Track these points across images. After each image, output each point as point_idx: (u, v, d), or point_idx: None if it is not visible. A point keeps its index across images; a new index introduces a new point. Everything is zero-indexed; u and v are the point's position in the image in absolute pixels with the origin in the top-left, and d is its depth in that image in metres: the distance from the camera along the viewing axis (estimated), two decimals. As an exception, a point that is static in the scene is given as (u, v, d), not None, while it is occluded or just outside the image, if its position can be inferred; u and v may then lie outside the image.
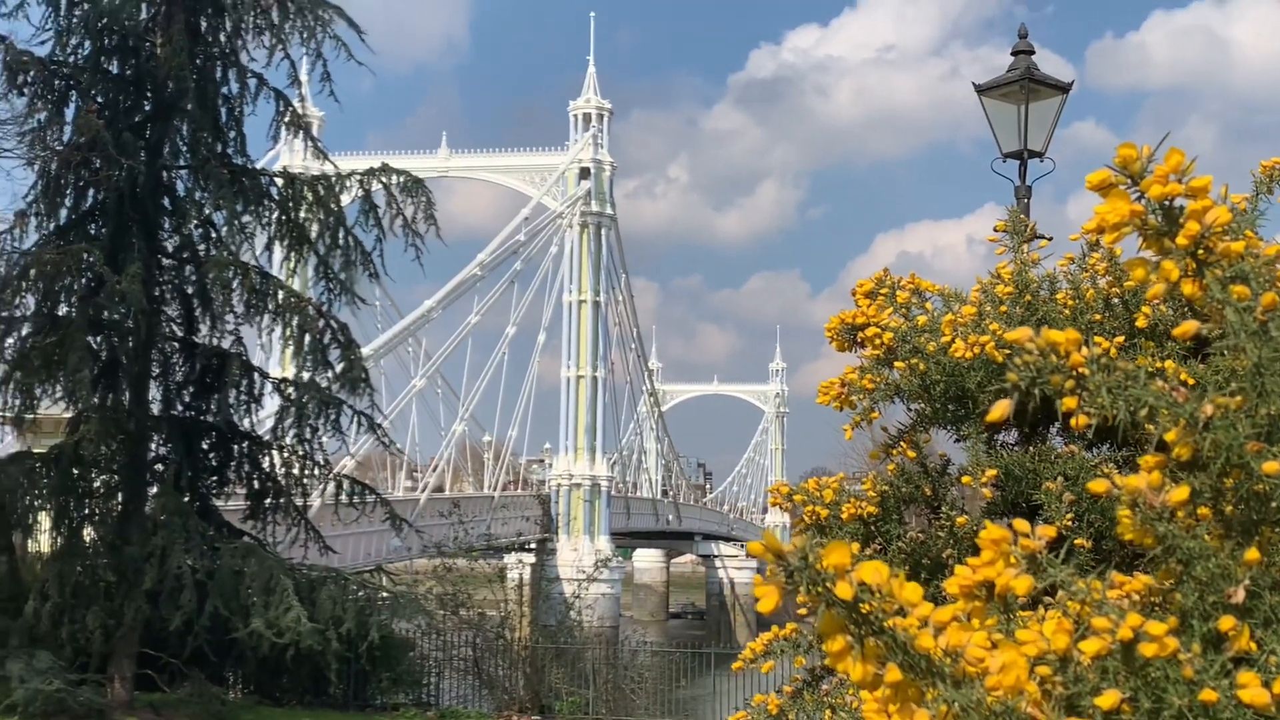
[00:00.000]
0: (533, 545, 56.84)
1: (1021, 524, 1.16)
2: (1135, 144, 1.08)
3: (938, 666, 0.99)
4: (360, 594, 20.28)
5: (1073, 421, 1.15)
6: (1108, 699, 1.02)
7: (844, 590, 0.96)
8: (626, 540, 78.74)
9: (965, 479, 2.40)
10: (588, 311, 64.55)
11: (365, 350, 43.12)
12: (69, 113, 19.79)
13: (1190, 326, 1.13)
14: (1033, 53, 11.11)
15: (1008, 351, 2.39)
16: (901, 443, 2.58)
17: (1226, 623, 1.10)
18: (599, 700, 20.93)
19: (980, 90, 11.08)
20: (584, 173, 64.65)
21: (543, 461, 75.65)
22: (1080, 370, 1.11)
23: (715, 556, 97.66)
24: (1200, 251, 1.09)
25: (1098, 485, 1.15)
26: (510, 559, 44.94)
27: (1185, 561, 1.13)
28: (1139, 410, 1.11)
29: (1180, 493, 1.07)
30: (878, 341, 2.41)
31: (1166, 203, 1.08)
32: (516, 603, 26.10)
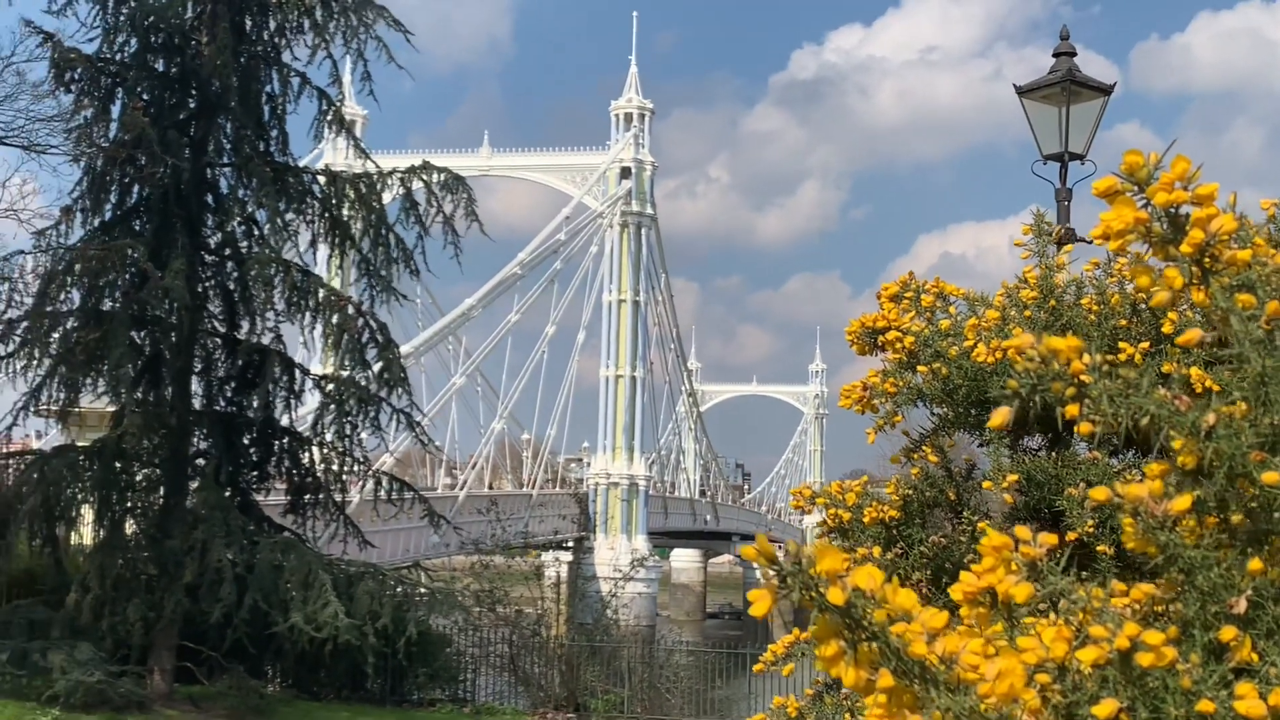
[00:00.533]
0: (570, 544, 56.97)
1: (1023, 531, 1.16)
2: (1142, 151, 1.08)
3: (932, 673, 0.99)
4: (398, 590, 20.37)
5: (1076, 428, 1.14)
6: (1105, 708, 1.02)
7: (836, 596, 0.96)
8: (664, 540, 78.77)
9: (986, 484, 2.39)
10: (627, 311, 64.61)
11: (406, 348, 43.40)
12: (115, 110, 19.99)
13: (1194, 335, 1.13)
14: (1074, 54, 11.03)
15: (1030, 356, 2.38)
16: (924, 447, 2.58)
17: (1228, 633, 1.09)
18: (634, 699, 20.94)
19: (1021, 92, 11.01)
20: (625, 172, 64.72)
21: (581, 460, 75.77)
22: (1081, 378, 1.11)
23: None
24: (1206, 259, 1.09)
25: (1099, 493, 1.14)
26: (548, 557, 45.05)
27: (1187, 571, 1.13)
28: (1140, 419, 1.10)
29: (1182, 502, 1.06)
30: (898, 345, 2.40)
31: (1172, 210, 1.07)
32: (553, 601, 26.17)
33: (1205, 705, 1.02)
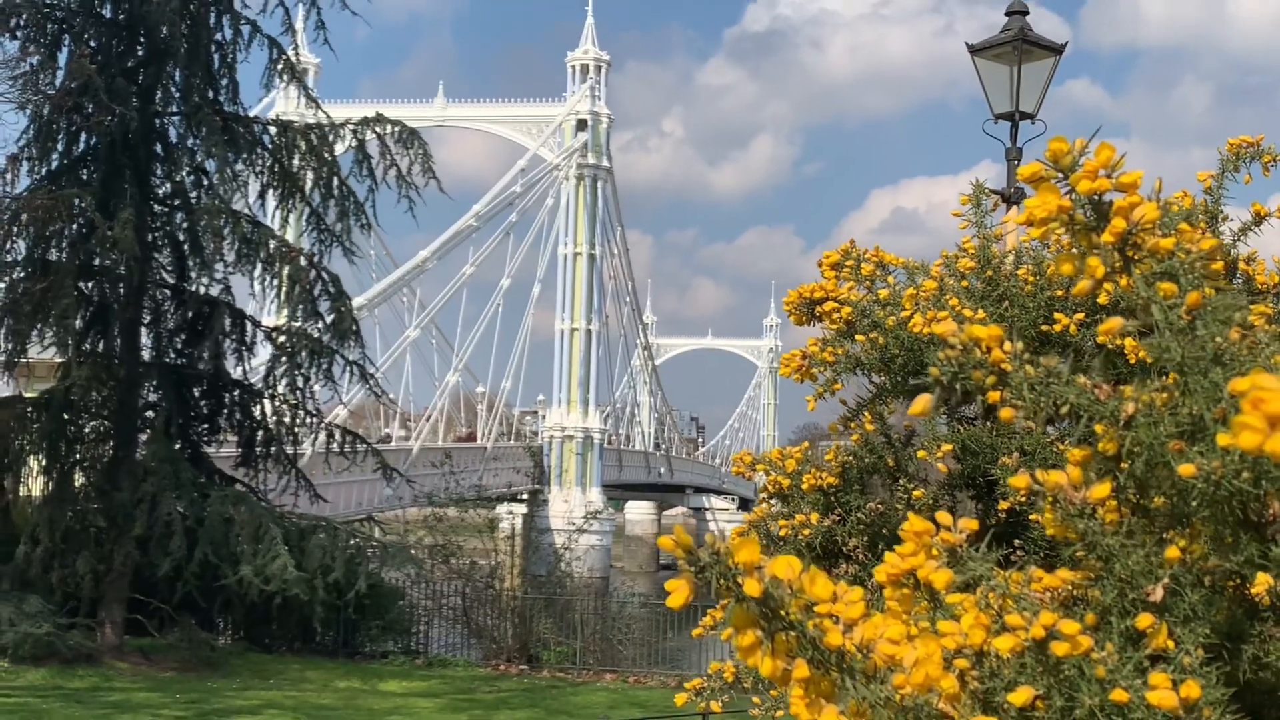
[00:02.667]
0: (525, 496, 57.02)
1: (944, 516, 1.16)
2: (1066, 138, 1.07)
3: (848, 662, 0.99)
4: (350, 543, 20.34)
5: (999, 413, 1.14)
6: (1020, 695, 1.03)
7: (752, 587, 0.95)
8: (619, 492, 79.02)
9: (920, 453, 2.40)
10: (583, 264, 64.44)
11: (359, 299, 43.14)
12: (61, 57, 19.67)
13: (1114, 324, 1.13)
14: (1026, 13, 11.03)
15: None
16: (864, 414, 2.58)
17: (1144, 620, 1.10)
18: (586, 650, 21.04)
19: (973, 50, 11.01)
20: (581, 125, 64.36)
21: (536, 413, 75.73)
22: (1002, 366, 1.11)
23: (706, 509, 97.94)
24: (1128, 248, 1.08)
25: (1018, 481, 1.15)
26: (502, 509, 45.07)
27: (1105, 558, 1.13)
28: (1061, 407, 1.11)
29: (1101, 489, 1.07)
30: (835, 316, 2.40)
31: (1096, 198, 1.07)
32: (507, 553, 26.21)
33: (1119, 695, 1.03)
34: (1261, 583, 1.09)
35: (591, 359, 65.28)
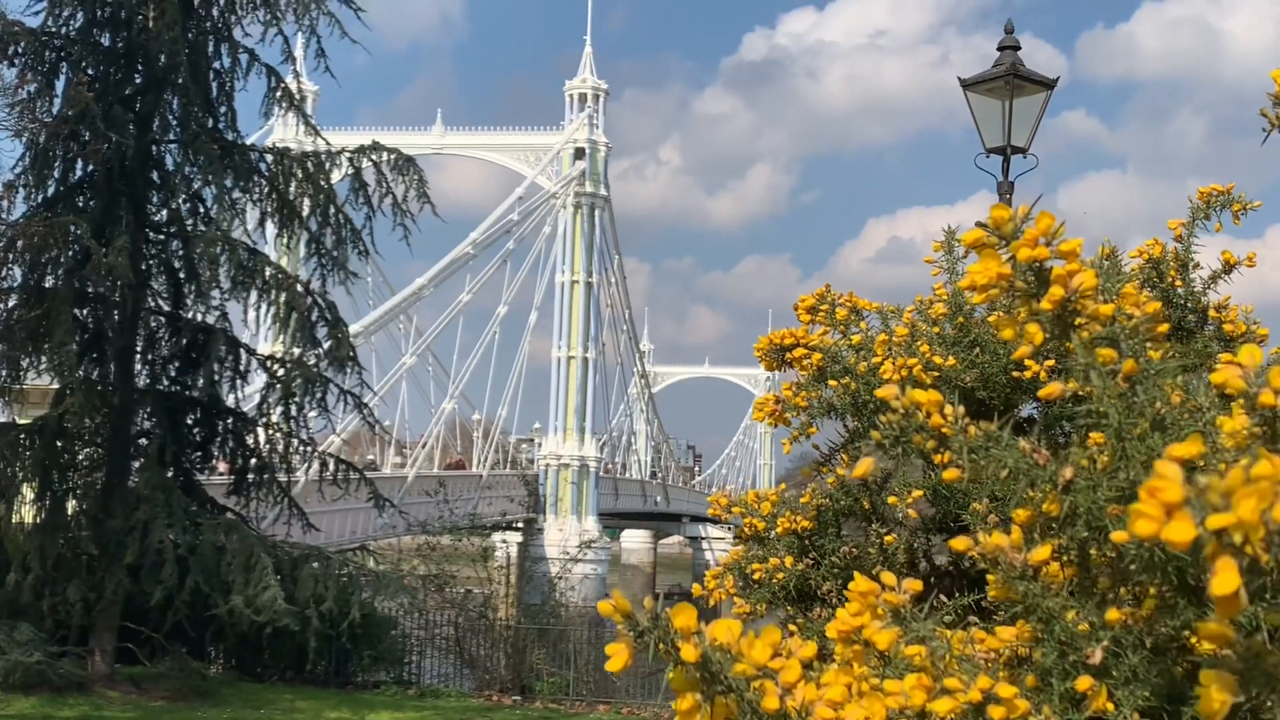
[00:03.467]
0: (520, 525, 56.95)
1: (889, 577, 1.17)
2: (1009, 205, 1.09)
3: (786, 726, 1.00)
4: (343, 572, 20.29)
5: (944, 474, 1.16)
6: (959, 757, 1.04)
7: (688, 652, 0.97)
8: (614, 521, 78.86)
9: (892, 499, 2.41)
10: (580, 292, 64.54)
11: (356, 327, 43.15)
12: (59, 85, 19.72)
13: (1054, 389, 1.14)
14: (1018, 48, 11.09)
15: (935, 374, 2.40)
16: (842, 455, 2.59)
17: (1084, 683, 1.11)
18: (580, 681, 20.97)
19: (965, 85, 11.07)
20: (579, 153, 64.57)
21: (532, 441, 75.66)
22: (942, 430, 1.12)
23: (702, 538, 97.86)
24: (1068, 314, 1.10)
25: (959, 543, 1.16)
26: (497, 538, 44.98)
27: (1045, 620, 1.14)
28: (1000, 471, 1.12)
29: (1041, 552, 1.08)
30: (805, 362, 2.42)
31: (1036, 265, 1.09)
32: (501, 582, 26.15)
33: (1053, 758, 1.04)
34: (1207, 644, 1.10)
35: (588, 387, 65.33)
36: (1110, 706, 1.12)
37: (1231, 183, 2.42)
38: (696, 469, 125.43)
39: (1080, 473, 1.09)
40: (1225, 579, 0.65)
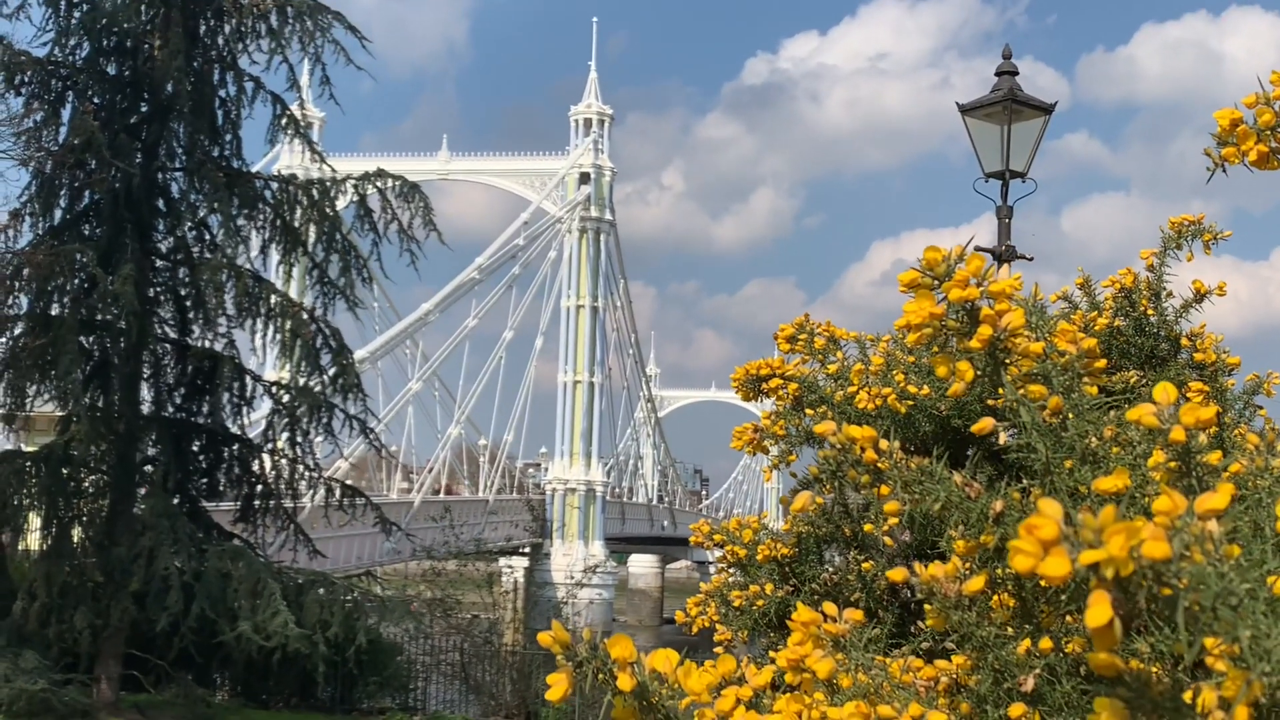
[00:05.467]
0: (526, 550, 56.90)
1: (830, 608, 1.21)
2: (942, 247, 1.13)
3: (721, 753, 1.03)
4: (348, 598, 20.29)
5: (885, 507, 1.20)
6: (893, 783, 1.07)
7: (625, 682, 1.00)
8: (622, 546, 78.76)
9: (868, 527, 2.44)
10: (585, 316, 64.61)
11: (362, 352, 43.23)
12: (65, 113, 19.83)
13: (986, 424, 1.18)
14: (1016, 73, 11.15)
15: (910, 403, 2.43)
16: (823, 485, 2.63)
17: (1016, 710, 1.14)
18: (586, 707, 20.93)
19: (964, 110, 11.13)
20: (584, 178, 64.75)
21: (539, 466, 75.64)
22: (877, 465, 1.16)
23: (710, 563, 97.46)
24: (999, 352, 1.14)
25: (896, 574, 1.19)
26: (504, 563, 44.95)
27: (980, 649, 1.18)
28: (933, 505, 1.16)
29: (975, 582, 1.11)
30: (781, 392, 2.46)
31: (967, 305, 1.12)
32: (507, 608, 26.11)
33: (983, 783, 1.07)
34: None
35: (594, 411, 65.32)
36: (1043, 732, 1.15)
37: (1202, 213, 2.46)
38: (704, 493, 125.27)
39: (1011, 506, 1.12)
40: (1098, 611, 0.68)
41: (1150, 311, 2.49)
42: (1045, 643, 1.17)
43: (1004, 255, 10.11)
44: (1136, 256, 2.56)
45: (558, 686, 0.99)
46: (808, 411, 2.45)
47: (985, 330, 1.11)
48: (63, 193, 19.63)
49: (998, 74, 11.22)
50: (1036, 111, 11.13)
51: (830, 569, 2.61)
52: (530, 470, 77.56)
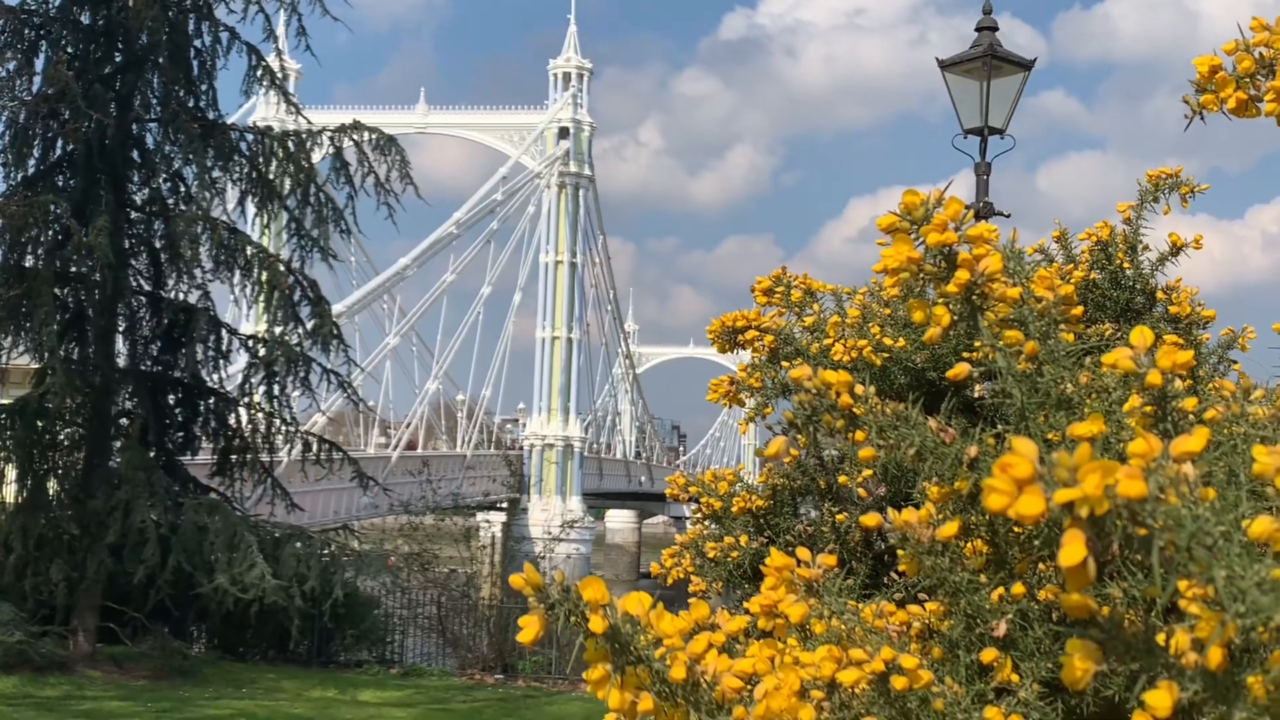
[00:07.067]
0: (504, 505, 56.99)
1: (804, 552, 1.20)
2: (911, 172, 1.12)
3: (693, 694, 1.03)
4: (325, 552, 20.31)
5: (860, 454, 1.19)
6: (864, 727, 1.07)
7: (597, 624, 1.00)
8: (599, 501, 78.97)
9: (842, 479, 2.44)
10: (564, 272, 64.46)
11: (339, 306, 43.03)
12: (39, 63, 19.66)
13: (962, 369, 1.17)
14: (996, 29, 11.12)
15: (886, 355, 2.43)
16: (798, 432, 2.62)
17: (988, 655, 1.14)
18: (563, 660, 21.04)
19: (943, 66, 11.10)
20: (563, 133, 64.40)
21: (517, 421, 75.71)
22: (852, 410, 1.15)
23: (686, 518, 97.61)
24: (975, 297, 1.13)
25: (869, 519, 1.19)
26: (481, 518, 44.99)
27: (953, 594, 1.18)
28: (907, 449, 1.15)
29: (949, 528, 1.11)
30: (758, 344, 2.45)
31: (945, 249, 1.12)
32: (485, 562, 26.20)
33: (954, 727, 1.07)
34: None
35: (572, 367, 65.29)
36: (1015, 678, 1.16)
37: (1180, 167, 2.45)
38: (681, 449, 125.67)
39: (986, 451, 1.12)
40: (1072, 550, 0.68)
41: (1126, 265, 2.49)
42: (1018, 588, 1.17)
43: (982, 212, 10.11)
44: (1114, 214, 2.55)
45: (529, 629, 0.98)
46: (783, 364, 2.44)
47: (962, 274, 1.11)
48: (36, 143, 19.46)
49: (978, 29, 11.17)
50: (1016, 67, 11.11)
51: (805, 521, 2.61)
52: (508, 426, 77.64)
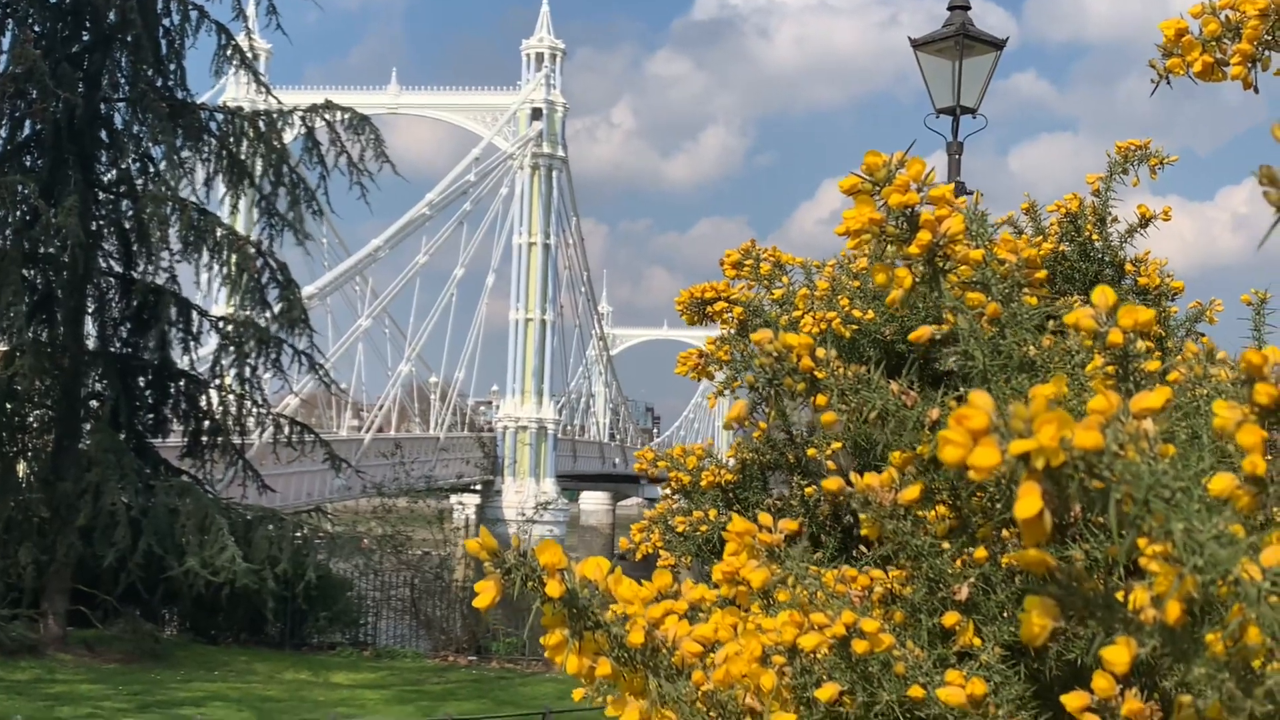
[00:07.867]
0: (478, 487, 56.94)
1: (765, 518, 1.19)
2: (883, 152, 1.11)
3: (652, 660, 1.02)
4: (298, 534, 20.26)
5: (822, 418, 1.18)
6: (826, 691, 1.06)
7: (553, 589, 0.99)
8: (573, 483, 78.95)
9: (811, 451, 2.43)
10: (537, 254, 64.30)
11: (311, 288, 42.88)
12: (5, 42, 19.46)
13: (924, 331, 1.17)
14: (968, 8, 11.13)
15: (855, 328, 2.42)
16: (761, 397, 2.61)
17: (950, 619, 1.14)
18: (535, 640, 21.05)
19: (915, 45, 11.10)
20: (536, 113, 64.17)
21: (490, 403, 75.60)
22: (814, 373, 1.14)
23: (660, 499, 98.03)
24: (937, 259, 1.12)
25: (831, 484, 1.18)
26: (455, 500, 44.95)
27: (914, 558, 1.17)
28: (869, 412, 1.14)
29: (911, 491, 1.10)
30: (727, 316, 2.43)
31: (907, 210, 1.10)
32: (458, 544, 26.14)
33: (915, 690, 1.06)
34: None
35: (546, 349, 65.18)
36: (977, 641, 1.15)
37: (1149, 139, 2.45)
38: (655, 430, 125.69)
39: (947, 413, 1.11)
40: (1028, 503, 0.67)
41: (1095, 237, 2.48)
42: (980, 552, 1.16)
43: (955, 191, 10.12)
44: (1085, 191, 2.54)
45: (485, 594, 0.97)
46: (753, 337, 2.43)
47: (924, 235, 1.10)
48: (3, 123, 19.30)
49: (950, 8, 11.17)
50: (988, 47, 11.12)
51: (774, 495, 2.60)
52: (482, 408, 77.45)
